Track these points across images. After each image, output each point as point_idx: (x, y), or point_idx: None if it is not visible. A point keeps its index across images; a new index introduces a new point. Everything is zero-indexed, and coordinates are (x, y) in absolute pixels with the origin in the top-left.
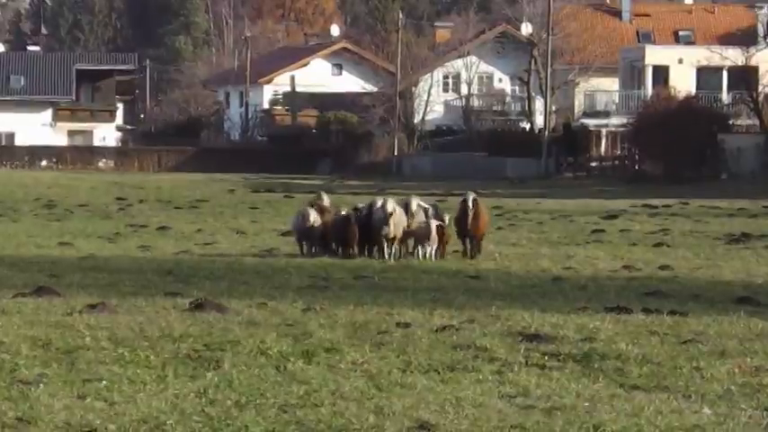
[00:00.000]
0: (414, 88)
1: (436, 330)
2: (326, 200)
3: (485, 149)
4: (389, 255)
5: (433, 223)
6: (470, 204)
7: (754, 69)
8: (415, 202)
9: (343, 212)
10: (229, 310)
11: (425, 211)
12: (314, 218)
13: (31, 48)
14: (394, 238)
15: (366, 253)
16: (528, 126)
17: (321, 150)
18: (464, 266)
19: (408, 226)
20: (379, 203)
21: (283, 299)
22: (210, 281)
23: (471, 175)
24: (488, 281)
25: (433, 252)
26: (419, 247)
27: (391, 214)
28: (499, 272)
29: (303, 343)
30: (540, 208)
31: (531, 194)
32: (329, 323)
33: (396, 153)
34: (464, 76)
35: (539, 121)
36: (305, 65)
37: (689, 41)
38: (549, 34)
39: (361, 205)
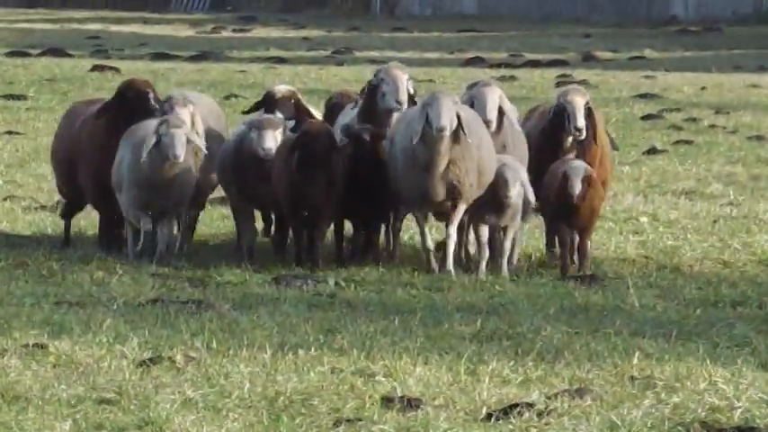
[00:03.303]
0: None
1: (488, 418)
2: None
3: None
4: (448, 259)
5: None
6: (578, 118)
7: None
8: (496, 95)
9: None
10: None
11: None
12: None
13: None
14: (456, 204)
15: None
16: None
17: None
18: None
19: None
20: (398, 79)
21: (93, 332)
22: None
23: (579, 9)
24: (620, 289)
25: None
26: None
27: (442, 130)
28: (649, 267)
29: None
30: (756, 98)
31: (734, 62)
32: (204, 399)
33: None
34: None
35: None
36: None
37: None
38: None
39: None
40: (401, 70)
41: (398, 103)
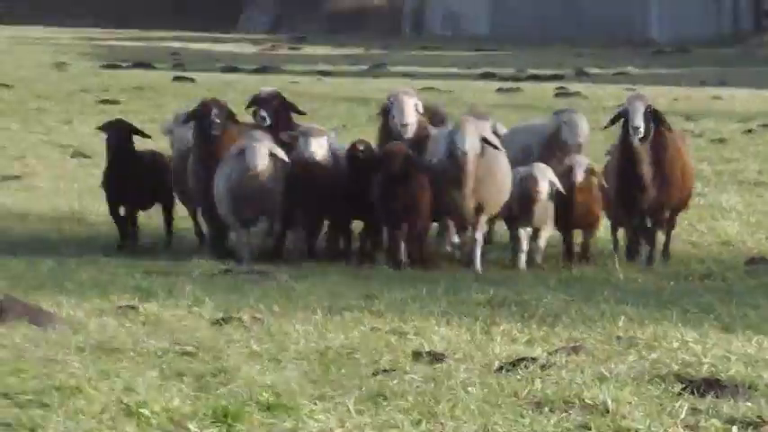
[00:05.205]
0: None
1: (499, 369)
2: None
3: None
4: (476, 260)
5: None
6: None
7: None
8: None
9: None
10: (61, 319)
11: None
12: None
13: None
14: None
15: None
16: None
17: None
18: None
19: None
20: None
21: (175, 297)
22: (20, 264)
23: (573, 32)
24: (608, 265)
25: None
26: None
27: (465, 153)
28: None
29: (213, 394)
30: (718, 107)
31: (700, 77)
32: (267, 352)
33: None
34: None
35: None
36: None
37: None
38: None
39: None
40: (407, 95)
41: (402, 125)
